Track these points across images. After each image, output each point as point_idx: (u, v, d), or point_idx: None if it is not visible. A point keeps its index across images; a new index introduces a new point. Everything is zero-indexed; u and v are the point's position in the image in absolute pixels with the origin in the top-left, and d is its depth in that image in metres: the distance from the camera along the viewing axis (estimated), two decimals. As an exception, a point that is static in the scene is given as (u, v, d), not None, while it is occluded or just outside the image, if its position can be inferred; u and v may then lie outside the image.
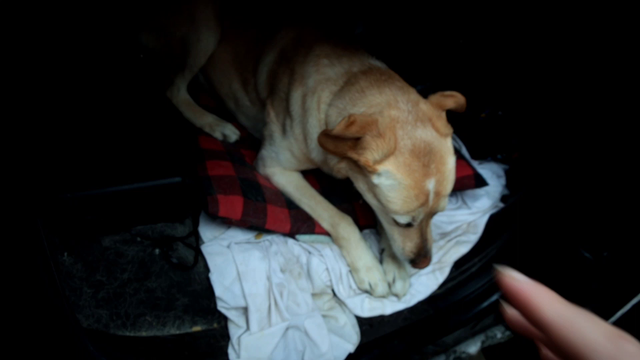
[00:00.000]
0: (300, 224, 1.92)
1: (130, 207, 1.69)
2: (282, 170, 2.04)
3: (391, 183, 1.52)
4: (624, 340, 0.45)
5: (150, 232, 1.76)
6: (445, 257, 2.08)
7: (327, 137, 1.53)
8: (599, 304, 1.74)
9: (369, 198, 1.67)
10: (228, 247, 1.80)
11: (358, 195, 2.10)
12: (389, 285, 1.89)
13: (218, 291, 1.67)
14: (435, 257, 2.05)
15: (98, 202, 1.63)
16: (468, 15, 2.43)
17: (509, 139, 2.53)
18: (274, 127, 1.99)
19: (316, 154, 1.86)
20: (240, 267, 1.73)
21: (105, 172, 1.66)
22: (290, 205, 1.98)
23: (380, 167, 1.50)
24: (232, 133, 2.26)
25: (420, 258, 1.68)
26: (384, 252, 1.95)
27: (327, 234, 1.95)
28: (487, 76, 2.58)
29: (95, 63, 1.97)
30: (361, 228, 1.99)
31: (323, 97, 1.74)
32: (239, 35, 2.22)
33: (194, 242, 1.79)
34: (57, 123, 1.69)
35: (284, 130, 1.95)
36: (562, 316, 0.49)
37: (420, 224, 1.62)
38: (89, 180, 1.62)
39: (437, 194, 1.55)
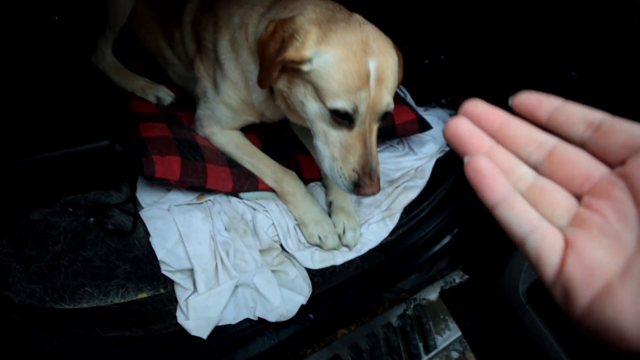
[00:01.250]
0: (243, 181, 1.87)
1: (57, 177, 1.60)
2: (221, 130, 1.97)
3: (325, 59, 1.42)
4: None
5: (82, 201, 1.67)
6: (394, 204, 2.07)
7: (266, 47, 1.50)
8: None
9: (309, 105, 1.52)
10: (168, 210, 1.73)
11: (301, 148, 2.08)
12: (339, 237, 1.87)
13: (160, 254, 1.61)
14: (384, 205, 2.05)
15: (21, 173, 1.53)
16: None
17: (454, 84, 2.53)
18: (206, 82, 1.91)
19: (257, 94, 1.79)
20: (182, 228, 1.67)
21: (26, 141, 1.55)
22: (232, 163, 1.92)
23: (309, 51, 1.44)
24: (166, 95, 2.16)
25: (366, 178, 1.47)
26: (332, 204, 1.93)
27: (271, 190, 1.90)
28: (429, 21, 2.54)
29: (10, 27, 1.83)
30: (306, 182, 1.96)
31: (250, 24, 1.67)
32: None
33: (132, 209, 1.71)
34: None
35: (215, 85, 1.87)
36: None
37: (363, 130, 1.48)
38: (8, 150, 1.51)
39: (379, 81, 1.44)
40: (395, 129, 2.17)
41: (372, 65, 1.43)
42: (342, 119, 1.46)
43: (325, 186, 2.00)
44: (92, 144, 1.58)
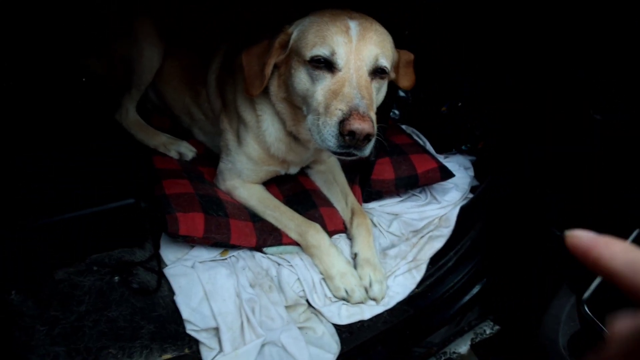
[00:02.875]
0: (267, 236, 1.85)
1: (82, 235, 1.59)
2: (243, 184, 1.97)
3: (303, 24, 1.57)
4: None
5: (107, 260, 1.65)
6: (420, 254, 2.03)
7: (249, 55, 1.61)
8: (574, 281, 1.71)
9: (299, 76, 1.55)
10: (192, 267, 1.71)
11: (323, 200, 2.07)
12: (366, 290, 1.82)
13: (185, 313, 1.57)
14: (409, 256, 2.00)
15: (47, 233, 1.53)
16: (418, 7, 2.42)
17: (472, 130, 2.53)
18: (229, 135, 1.94)
19: (272, 135, 1.85)
20: (207, 286, 1.64)
21: (53, 202, 1.56)
22: (255, 218, 1.90)
23: (292, 27, 1.60)
24: (188, 151, 2.19)
25: (352, 112, 1.36)
26: (357, 256, 1.89)
27: (295, 243, 1.88)
28: (445, 69, 2.57)
29: (38, 89, 1.89)
30: (330, 234, 1.93)
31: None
32: (186, 49, 2.17)
33: (156, 266, 1.69)
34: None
35: (238, 137, 1.89)
36: (630, 264, 0.45)
37: (348, 76, 1.45)
38: (35, 211, 1.52)
39: (362, 35, 1.49)
40: (417, 178, 2.16)
41: (352, 23, 1.50)
42: (322, 65, 1.48)
43: (350, 238, 1.97)
44: (117, 202, 1.58)
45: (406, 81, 1.77)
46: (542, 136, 1.97)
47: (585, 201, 1.79)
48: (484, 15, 2.24)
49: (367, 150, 1.45)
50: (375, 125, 1.41)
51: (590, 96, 1.67)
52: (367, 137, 1.38)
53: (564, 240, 0.51)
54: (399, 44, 1.70)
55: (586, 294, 1.53)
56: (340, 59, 1.47)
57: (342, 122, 1.37)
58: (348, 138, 1.38)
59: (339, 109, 1.39)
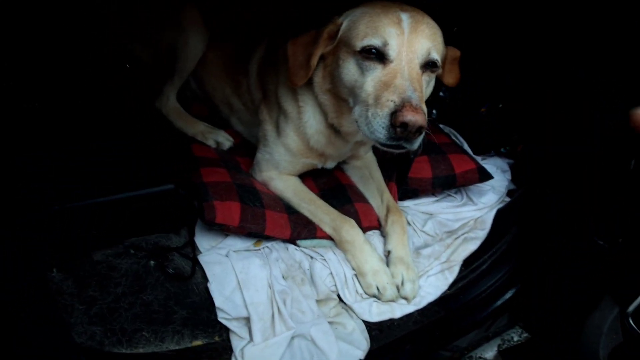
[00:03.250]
0: (301, 228, 1.85)
1: (122, 218, 1.62)
2: (279, 175, 1.97)
3: (354, 14, 1.57)
4: None
5: (144, 244, 1.67)
6: (454, 255, 2.00)
7: (294, 45, 1.62)
8: (618, 292, 1.65)
9: (348, 66, 1.54)
10: (226, 255, 1.72)
11: (359, 196, 2.05)
12: (398, 288, 1.80)
13: (218, 301, 1.59)
14: (443, 256, 1.97)
15: (88, 214, 1.56)
16: (463, 4, 2.38)
17: (511, 132, 2.47)
18: (268, 125, 1.94)
19: (312, 127, 1.85)
20: (240, 275, 1.65)
21: (95, 184, 1.59)
22: (290, 210, 1.90)
23: (341, 18, 1.59)
24: (225, 140, 2.20)
25: (404, 102, 1.35)
26: (390, 254, 1.87)
27: (329, 238, 1.87)
28: (485, 69, 2.52)
29: (82, 75, 1.92)
30: (364, 230, 1.91)
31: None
32: (229, 40, 2.19)
33: (191, 253, 1.71)
34: (45, 134, 1.63)
35: (277, 127, 1.89)
36: None
37: (400, 67, 1.44)
38: (78, 191, 1.55)
39: (414, 28, 1.48)
40: (455, 178, 2.12)
41: (404, 15, 1.48)
42: (374, 55, 1.47)
43: (384, 235, 1.95)
44: (158, 187, 1.60)
45: (451, 78, 1.75)
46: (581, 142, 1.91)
47: (631, 211, 1.74)
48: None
49: (417, 143, 1.43)
50: (426, 119, 1.39)
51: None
52: (419, 130, 1.36)
53: (630, 118, 0.49)
54: (446, 40, 1.67)
55: (631, 307, 1.49)
56: (392, 50, 1.46)
57: (393, 114, 1.35)
58: (400, 130, 1.35)
59: (390, 100, 1.38)
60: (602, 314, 1.51)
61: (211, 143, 2.17)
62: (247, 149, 2.19)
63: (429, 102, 1.98)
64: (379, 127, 1.39)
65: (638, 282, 1.65)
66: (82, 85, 1.91)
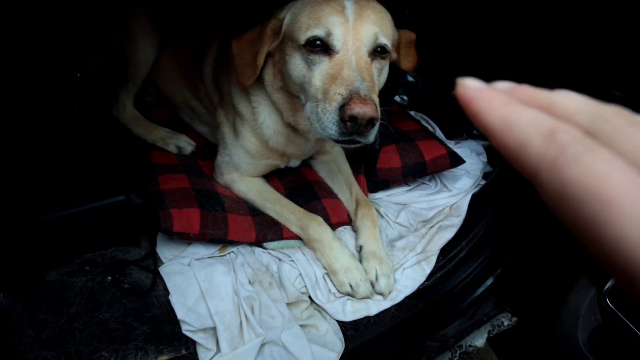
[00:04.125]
0: (267, 230, 1.78)
1: (74, 234, 1.54)
2: (241, 177, 1.90)
3: (295, 7, 1.49)
4: (558, 131, 0.35)
5: (100, 259, 1.60)
6: (430, 245, 1.93)
7: (239, 43, 1.54)
8: (593, 272, 1.60)
9: (294, 62, 1.46)
10: (189, 265, 1.65)
11: (326, 191, 1.99)
12: (372, 284, 1.73)
13: (180, 313, 1.51)
14: (418, 247, 1.91)
15: (38, 232, 1.48)
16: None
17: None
18: (225, 128, 1.87)
19: (269, 128, 1.78)
20: (203, 284, 1.58)
21: (42, 200, 1.51)
22: (254, 212, 1.83)
23: (283, 12, 1.52)
24: (187, 144, 2.12)
25: (352, 95, 1.27)
26: (362, 249, 1.80)
27: (297, 237, 1.80)
28: (455, 50, 2.46)
29: (28, 85, 1.84)
30: (334, 227, 1.85)
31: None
32: (182, 42, 2.11)
33: (152, 265, 1.63)
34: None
35: (235, 129, 1.82)
36: (504, 120, 0.39)
37: (347, 58, 1.36)
38: (25, 208, 1.47)
39: (359, 14, 1.40)
40: (425, 165, 2.06)
41: (348, 2, 1.41)
42: (319, 48, 1.39)
43: (355, 230, 1.88)
44: (108, 199, 1.53)
45: (408, 62, 1.67)
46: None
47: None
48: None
49: (372, 136, 1.34)
50: (379, 109, 1.31)
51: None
52: (371, 122, 1.28)
53: (456, 90, 0.44)
54: (399, 24, 1.60)
55: (607, 285, 1.43)
56: (337, 40, 1.37)
57: (342, 107, 1.27)
58: (350, 124, 1.28)
59: (338, 93, 1.29)
60: (578, 296, 1.45)
61: (172, 149, 2.10)
62: (210, 151, 2.11)
63: (390, 88, 1.92)
64: (329, 122, 1.31)
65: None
66: (29, 92, 1.83)
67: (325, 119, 1.32)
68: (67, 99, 1.92)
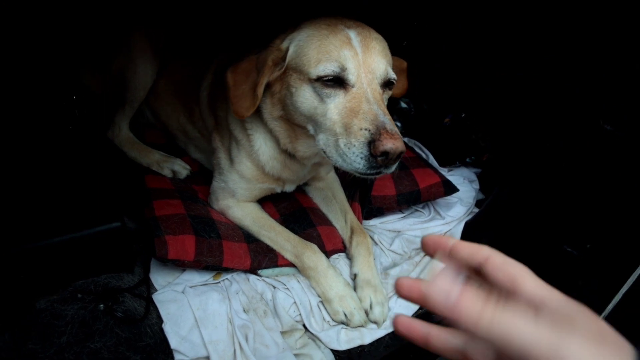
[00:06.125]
0: (262, 257, 1.76)
1: (65, 261, 1.52)
2: (237, 203, 1.89)
3: (299, 39, 1.46)
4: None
5: (92, 287, 1.57)
6: (424, 273, 1.93)
7: (235, 73, 1.53)
8: (588, 299, 1.60)
9: (302, 95, 1.45)
10: (183, 292, 1.63)
11: (321, 219, 1.98)
12: (366, 313, 1.72)
13: (174, 342, 1.49)
14: (413, 275, 1.91)
15: (28, 260, 1.45)
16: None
17: (477, 141, 2.44)
18: (221, 153, 1.87)
19: (265, 154, 1.78)
20: (197, 312, 1.56)
21: (34, 225, 1.49)
22: (249, 238, 1.82)
23: (285, 43, 1.49)
24: (181, 169, 2.12)
25: (379, 129, 1.28)
26: (357, 277, 1.80)
27: (292, 265, 1.79)
28: (446, 80, 2.49)
29: (24, 104, 1.83)
30: (328, 254, 1.85)
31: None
32: (179, 66, 2.12)
33: (145, 292, 1.61)
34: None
35: (230, 155, 1.82)
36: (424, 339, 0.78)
37: (363, 90, 1.37)
38: (15, 235, 1.44)
39: (366, 45, 1.40)
40: (419, 193, 2.07)
41: (351, 33, 1.41)
42: (333, 82, 1.39)
43: (349, 257, 1.88)
44: (103, 225, 1.51)
45: (397, 89, 1.69)
46: (549, 148, 1.89)
47: (599, 216, 1.70)
48: (487, 23, 2.17)
49: (395, 167, 1.37)
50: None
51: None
52: (399, 155, 1.31)
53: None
54: (397, 53, 1.62)
55: (604, 314, 1.43)
56: (352, 74, 1.38)
57: (371, 143, 1.29)
58: (381, 159, 1.30)
59: (364, 128, 1.31)
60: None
61: (167, 173, 2.09)
62: (205, 176, 2.11)
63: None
64: (357, 157, 1.32)
65: (607, 289, 1.61)
66: (23, 116, 1.81)
67: (351, 153, 1.33)
68: (61, 120, 1.91)
